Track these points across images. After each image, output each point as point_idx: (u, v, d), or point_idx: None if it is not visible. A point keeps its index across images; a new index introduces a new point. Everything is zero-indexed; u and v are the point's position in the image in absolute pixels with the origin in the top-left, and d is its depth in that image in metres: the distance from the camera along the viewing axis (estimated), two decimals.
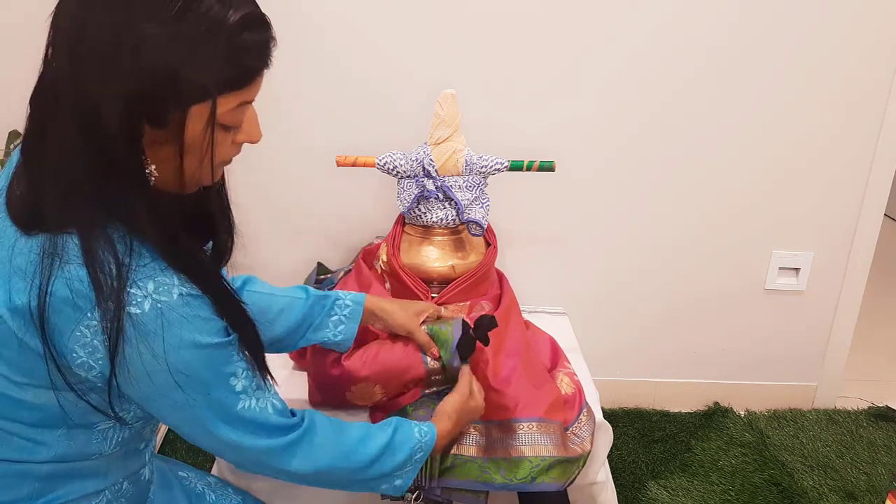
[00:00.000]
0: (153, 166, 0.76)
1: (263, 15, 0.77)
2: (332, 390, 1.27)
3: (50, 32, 0.72)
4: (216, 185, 0.88)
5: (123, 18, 0.68)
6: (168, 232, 0.76)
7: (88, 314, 0.73)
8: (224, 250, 0.91)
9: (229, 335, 0.81)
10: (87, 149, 0.71)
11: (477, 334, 1.18)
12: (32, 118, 0.76)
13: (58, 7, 0.72)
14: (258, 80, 0.78)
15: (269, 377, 0.88)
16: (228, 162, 0.85)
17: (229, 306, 0.82)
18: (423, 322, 1.23)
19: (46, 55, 0.73)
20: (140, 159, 0.74)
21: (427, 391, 1.24)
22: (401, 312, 1.21)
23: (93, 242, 0.72)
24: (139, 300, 0.73)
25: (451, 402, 1.11)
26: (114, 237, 0.74)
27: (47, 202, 0.74)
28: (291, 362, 1.46)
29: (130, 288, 0.73)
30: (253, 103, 0.81)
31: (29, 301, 0.72)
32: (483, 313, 1.20)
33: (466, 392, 1.13)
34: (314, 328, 1.16)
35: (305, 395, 1.33)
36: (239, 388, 0.82)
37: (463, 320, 1.20)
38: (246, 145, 0.85)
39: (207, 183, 0.82)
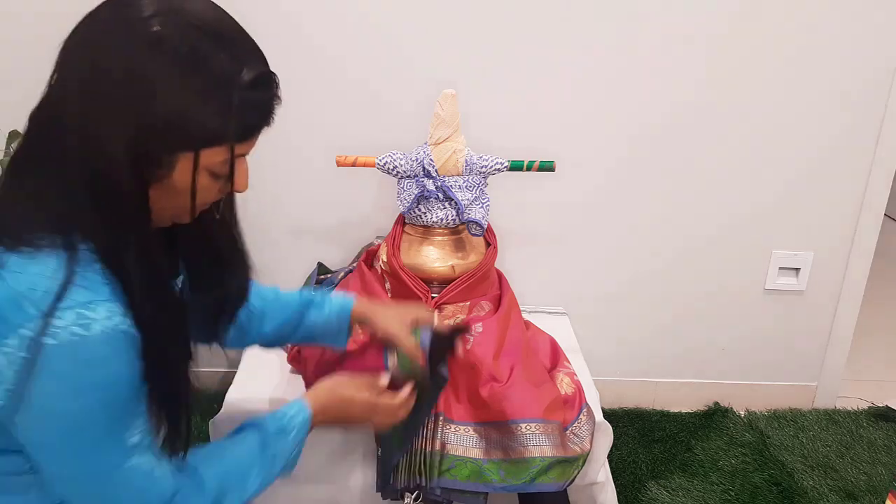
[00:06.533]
0: None
1: (273, 75, 0.78)
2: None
3: (59, 60, 0.73)
4: (226, 221, 0.89)
5: (137, 64, 0.69)
6: (150, 265, 0.75)
7: (6, 339, 0.68)
8: (229, 294, 0.92)
9: (141, 383, 0.75)
10: (88, 175, 0.71)
11: (444, 348, 1.12)
12: (30, 136, 0.75)
13: (71, 40, 0.73)
14: (257, 135, 0.79)
15: (183, 428, 0.83)
16: (207, 206, 0.83)
17: (164, 359, 0.77)
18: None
19: (52, 79, 0.73)
20: (143, 192, 0.74)
21: None
22: (387, 320, 1.14)
23: (71, 262, 0.71)
24: (56, 330, 0.68)
25: (337, 391, 1.02)
26: (80, 259, 0.72)
27: (22, 214, 0.73)
28: (287, 365, 1.46)
29: (51, 317, 0.68)
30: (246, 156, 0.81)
31: None
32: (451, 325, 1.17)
33: (362, 398, 1.02)
34: (305, 325, 1.14)
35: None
36: (135, 440, 0.76)
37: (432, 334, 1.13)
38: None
39: (183, 222, 0.81)
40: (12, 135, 1.57)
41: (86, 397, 0.70)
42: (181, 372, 0.83)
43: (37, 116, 0.75)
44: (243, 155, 0.80)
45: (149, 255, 0.75)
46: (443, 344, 1.13)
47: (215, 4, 0.76)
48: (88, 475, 0.75)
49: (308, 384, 1.34)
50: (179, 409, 0.82)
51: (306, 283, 1.70)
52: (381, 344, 1.18)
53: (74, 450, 0.73)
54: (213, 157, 0.75)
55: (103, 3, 0.73)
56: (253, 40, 0.77)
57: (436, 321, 1.22)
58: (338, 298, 1.16)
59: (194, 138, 0.73)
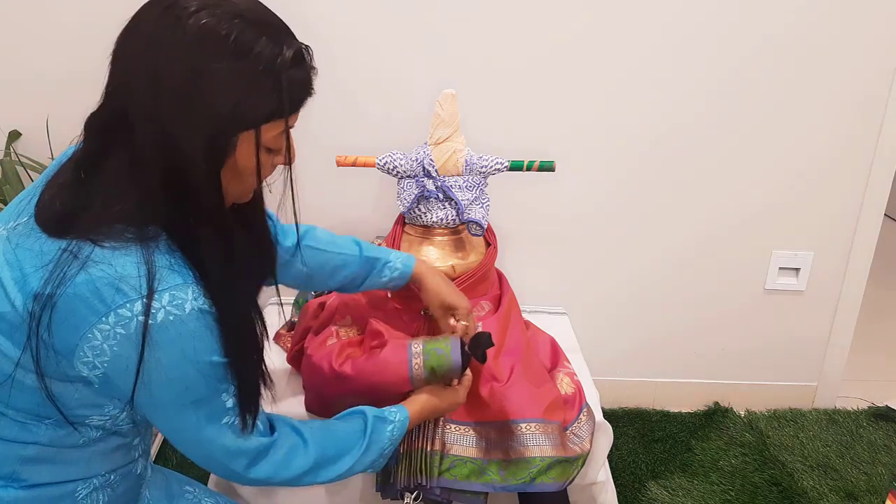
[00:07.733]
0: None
1: (307, 48, 0.84)
2: (323, 397, 1.28)
3: (116, 65, 0.78)
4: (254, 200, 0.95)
5: (194, 60, 0.74)
6: (225, 251, 0.82)
7: (104, 318, 0.75)
8: (270, 259, 1.01)
9: (225, 356, 0.83)
10: (164, 171, 0.77)
11: (473, 352, 1.16)
12: (94, 140, 0.80)
13: (124, 45, 0.77)
14: (303, 105, 0.85)
15: (260, 397, 0.91)
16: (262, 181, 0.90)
17: (243, 331, 0.86)
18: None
19: (110, 83, 0.78)
20: (217, 179, 0.80)
21: None
22: (440, 297, 1.23)
23: (150, 252, 0.77)
24: (154, 311, 0.76)
25: (432, 399, 1.14)
26: (159, 247, 0.78)
27: (98, 210, 0.77)
28: (287, 365, 1.46)
29: (150, 298, 0.76)
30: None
31: (44, 287, 0.75)
32: (481, 331, 1.19)
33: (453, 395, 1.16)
34: (366, 285, 1.24)
35: (302, 403, 1.34)
36: (230, 404, 0.86)
37: (461, 341, 1.17)
38: None
39: (244, 200, 0.90)
40: (12, 135, 1.56)
41: (183, 366, 0.79)
42: (255, 347, 0.89)
43: (98, 119, 0.80)
44: (292, 127, 0.86)
45: (226, 239, 0.83)
46: (468, 355, 1.16)
47: None
48: (187, 428, 0.85)
49: (306, 387, 1.34)
50: (253, 380, 0.89)
51: None
52: (421, 318, 1.27)
53: (177, 408, 0.83)
54: (270, 131, 0.82)
55: (147, 7, 0.77)
56: (282, 20, 0.83)
57: (469, 322, 1.24)
58: (399, 260, 1.24)
59: (254, 118, 0.79)
